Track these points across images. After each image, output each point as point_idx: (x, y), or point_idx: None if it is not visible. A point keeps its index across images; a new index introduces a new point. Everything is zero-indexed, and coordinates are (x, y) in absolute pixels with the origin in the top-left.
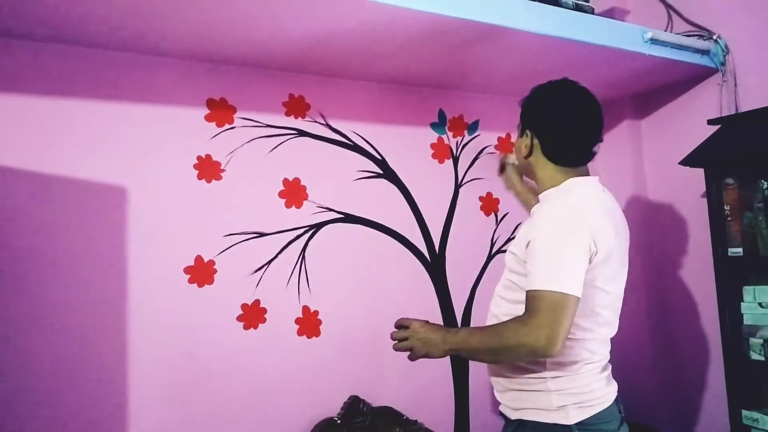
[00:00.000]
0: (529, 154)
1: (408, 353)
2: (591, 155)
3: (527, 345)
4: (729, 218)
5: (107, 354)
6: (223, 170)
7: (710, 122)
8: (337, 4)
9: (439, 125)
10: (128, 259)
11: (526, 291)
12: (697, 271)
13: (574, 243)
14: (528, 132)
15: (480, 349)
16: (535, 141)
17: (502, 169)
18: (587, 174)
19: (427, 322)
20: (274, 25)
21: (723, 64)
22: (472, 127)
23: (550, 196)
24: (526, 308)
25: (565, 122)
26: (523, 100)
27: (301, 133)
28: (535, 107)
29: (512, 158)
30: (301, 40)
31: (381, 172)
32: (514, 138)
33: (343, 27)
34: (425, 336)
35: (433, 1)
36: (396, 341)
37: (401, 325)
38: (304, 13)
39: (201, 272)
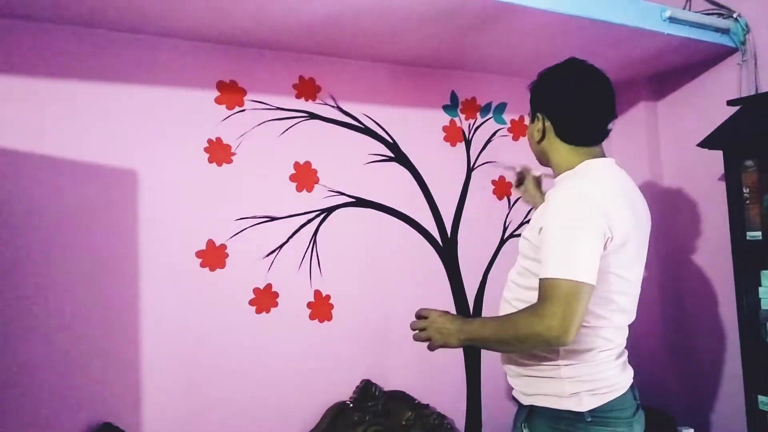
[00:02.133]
0: (542, 137)
1: (427, 343)
2: (606, 133)
3: (540, 334)
4: (748, 201)
5: (119, 339)
6: (233, 153)
7: (729, 103)
8: None
9: (451, 107)
10: (139, 243)
11: (540, 279)
12: (714, 255)
13: (587, 229)
14: (539, 115)
15: (493, 339)
16: (547, 123)
17: (521, 182)
18: (603, 155)
19: (446, 312)
20: (284, 5)
21: (743, 43)
22: (485, 110)
23: (565, 180)
24: (539, 296)
25: (575, 99)
26: (531, 84)
27: (312, 115)
28: (543, 89)
29: (532, 171)
30: (311, 21)
31: (392, 155)
32: (527, 121)
33: (354, 6)
34: (442, 326)
35: None
36: (415, 331)
37: (420, 315)
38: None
39: (213, 256)
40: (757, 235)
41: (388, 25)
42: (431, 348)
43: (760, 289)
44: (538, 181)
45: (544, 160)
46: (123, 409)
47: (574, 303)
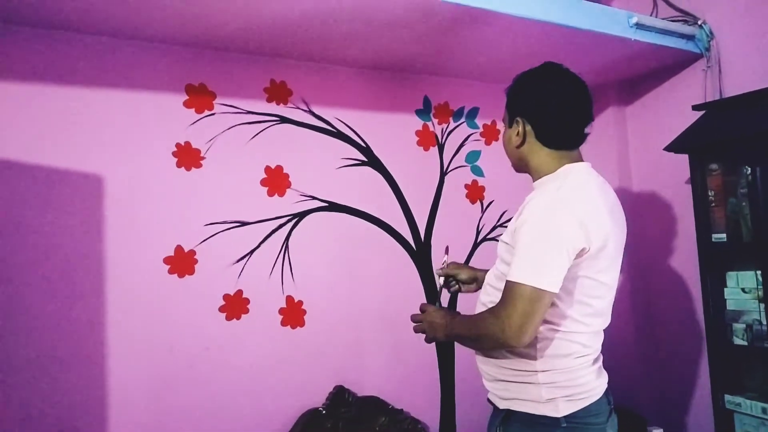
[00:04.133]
0: (522, 142)
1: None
2: (584, 136)
3: (495, 335)
4: (713, 204)
5: (85, 347)
6: (203, 158)
7: (695, 108)
8: None
9: (424, 112)
10: (106, 249)
11: (506, 280)
12: (682, 257)
13: (558, 239)
14: (519, 119)
15: (464, 337)
16: (528, 127)
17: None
18: (581, 159)
19: (441, 307)
20: (250, 7)
21: (708, 49)
22: (458, 114)
23: (545, 184)
24: (501, 298)
25: (556, 103)
26: (508, 88)
27: (284, 119)
28: (523, 93)
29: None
30: (283, 24)
31: (365, 159)
32: (499, 125)
33: (324, 10)
34: (433, 320)
35: None
36: (415, 324)
37: (422, 309)
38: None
39: (181, 262)
40: (722, 237)
41: (359, 28)
42: (426, 340)
43: (725, 290)
44: (456, 264)
45: (522, 165)
46: (89, 417)
47: (533, 309)
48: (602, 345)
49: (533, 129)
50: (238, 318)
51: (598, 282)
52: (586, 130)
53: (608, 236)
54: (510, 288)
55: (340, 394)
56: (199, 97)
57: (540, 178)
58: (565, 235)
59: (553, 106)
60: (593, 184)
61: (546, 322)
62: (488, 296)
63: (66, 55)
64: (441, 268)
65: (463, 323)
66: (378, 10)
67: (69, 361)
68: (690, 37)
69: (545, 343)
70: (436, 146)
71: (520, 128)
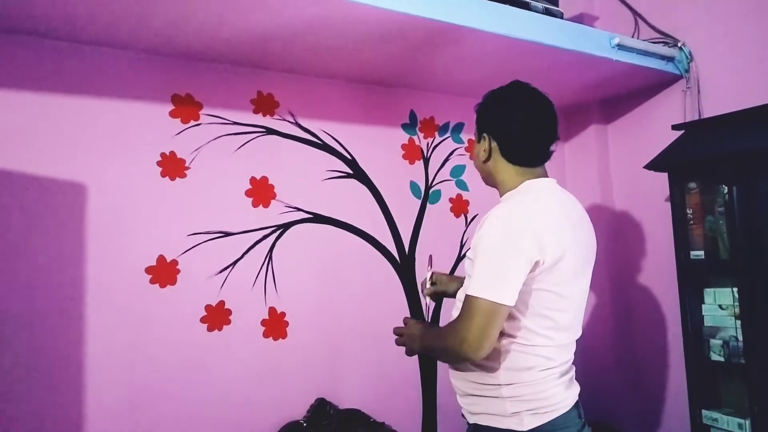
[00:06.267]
0: (488, 157)
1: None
2: (548, 154)
3: (454, 348)
4: (692, 222)
5: (63, 358)
6: (187, 168)
7: (674, 128)
8: (332, 9)
9: (410, 126)
10: (87, 258)
11: (465, 294)
12: (661, 274)
13: (512, 251)
14: (485, 135)
15: (432, 349)
16: (493, 144)
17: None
18: (545, 175)
19: (419, 320)
20: (237, 19)
21: (687, 71)
22: (443, 129)
23: (507, 199)
24: (460, 312)
25: (520, 120)
26: (477, 105)
27: (270, 131)
28: (489, 110)
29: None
30: (271, 37)
31: (351, 172)
32: None
33: (311, 24)
34: (411, 332)
35: (407, 2)
36: (397, 337)
37: (404, 322)
38: (264, 7)
39: (163, 272)
40: (701, 254)
41: (344, 44)
42: (407, 353)
43: (703, 306)
44: (439, 276)
45: (489, 179)
46: (65, 428)
47: (488, 322)
48: (582, 359)
49: (498, 145)
50: (220, 329)
51: (558, 295)
52: (551, 148)
53: (567, 249)
54: (467, 302)
55: (321, 407)
56: (186, 108)
57: (505, 192)
58: (519, 245)
59: (517, 123)
60: (554, 199)
61: (506, 335)
62: (457, 311)
63: (51, 63)
64: (428, 287)
65: (432, 336)
66: (362, 26)
67: (46, 371)
68: (670, 59)
69: (507, 356)
70: (422, 160)
71: (486, 144)
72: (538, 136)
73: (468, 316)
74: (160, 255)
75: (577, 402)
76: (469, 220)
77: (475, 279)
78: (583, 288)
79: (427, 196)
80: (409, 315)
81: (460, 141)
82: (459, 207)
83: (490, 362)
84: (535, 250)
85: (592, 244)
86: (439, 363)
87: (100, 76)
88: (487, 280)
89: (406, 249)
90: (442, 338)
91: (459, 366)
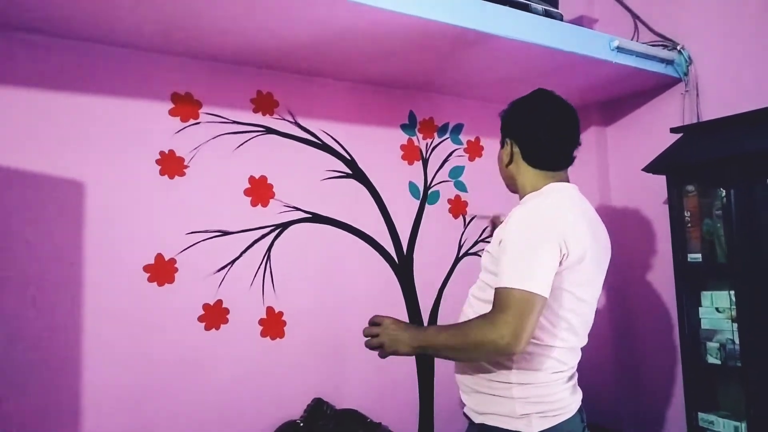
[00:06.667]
0: (510, 161)
1: (378, 350)
2: (570, 159)
3: (492, 342)
4: (689, 225)
5: (60, 355)
6: (186, 166)
7: (673, 130)
8: (324, 6)
9: (409, 127)
10: (85, 256)
11: (495, 288)
12: (659, 276)
13: (544, 243)
14: (508, 140)
15: (446, 347)
16: (515, 148)
17: (494, 227)
18: (567, 180)
19: (399, 320)
20: (258, 25)
21: (686, 74)
22: (442, 130)
23: (530, 198)
24: (493, 305)
25: (542, 127)
26: (502, 112)
27: (269, 130)
28: (513, 117)
29: (501, 217)
30: (286, 41)
31: (350, 172)
32: (483, 142)
33: (330, 30)
34: (394, 333)
35: (412, 4)
36: (368, 338)
37: (374, 322)
38: (290, 15)
39: (161, 271)
40: (698, 257)
41: (360, 49)
42: (382, 355)
43: (700, 309)
44: None
45: (511, 182)
46: (62, 428)
47: (527, 313)
48: (581, 361)
49: (520, 150)
50: (218, 328)
51: (576, 297)
52: (573, 154)
53: (586, 251)
54: (502, 294)
55: (318, 407)
56: (185, 106)
57: (526, 194)
58: (550, 237)
59: (538, 129)
60: (576, 203)
61: None
62: (472, 308)
63: (51, 61)
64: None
65: (445, 333)
66: (381, 33)
67: (43, 369)
68: (669, 62)
69: (522, 355)
70: (421, 161)
71: (509, 149)
72: (558, 142)
73: (504, 309)
74: (158, 253)
75: (580, 407)
76: (467, 221)
77: (507, 271)
78: (596, 293)
79: (425, 196)
80: (406, 314)
81: (459, 142)
82: (457, 208)
83: (503, 360)
84: (562, 243)
85: (608, 250)
86: (437, 363)
87: (99, 73)
88: (520, 271)
89: (405, 250)
90: (469, 333)
91: (469, 363)
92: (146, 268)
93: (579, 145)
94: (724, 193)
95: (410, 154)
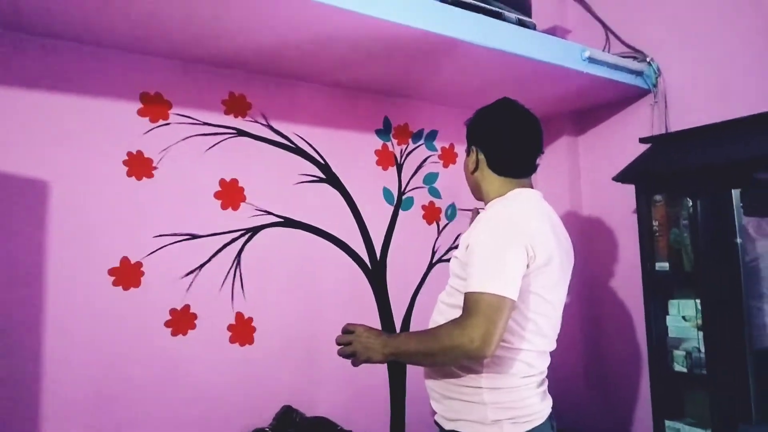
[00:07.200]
0: (476, 168)
1: (351, 360)
2: (533, 167)
3: (462, 346)
4: (657, 234)
5: (20, 361)
6: (155, 168)
7: (642, 141)
8: (293, 8)
9: (383, 132)
10: (48, 258)
11: (464, 293)
12: (628, 285)
13: (511, 247)
14: (473, 148)
15: (417, 352)
16: (480, 156)
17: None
18: (531, 186)
19: (371, 327)
20: (230, 26)
21: (655, 85)
22: (417, 136)
23: (494, 204)
24: (463, 310)
25: (506, 135)
26: (467, 120)
27: (241, 132)
28: (478, 124)
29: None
30: (258, 43)
31: (323, 176)
32: (457, 149)
33: (302, 33)
34: (367, 340)
35: (383, 7)
36: (340, 346)
37: (347, 330)
38: (260, 17)
39: (127, 274)
40: (665, 266)
41: (333, 52)
42: (355, 363)
43: (667, 317)
44: None
45: (477, 189)
46: None
47: (496, 316)
48: (550, 368)
49: (485, 157)
50: (185, 334)
51: (544, 299)
52: (537, 162)
53: (552, 254)
54: (471, 298)
55: (287, 414)
56: (154, 106)
57: (491, 200)
58: (516, 241)
59: (503, 137)
60: (540, 207)
61: None
62: (441, 314)
63: (14, 57)
64: None
65: (416, 339)
66: (342, 36)
67: (3, 372)
68: (639, 73)
69: (492, 359)
70: (395, 166)
71: (474, 156)
72: (522, 150)
73: (474, 313)
74: (124, 256)
75: (551, 414)
76: (441, 228)
77: (476, 275)
78: (562, 296)
79: (399, 202)
80: (378, 319)
81: (434, 148)
82: (431, 214)
83: (473, 364)
84: (528, 246)
85: (571, 255)
86: (409, 369)
87: (66, 71)
88: (489, 275)
89: (378, 255)
90: (438, 339)
91: (438, 368)
92: (111, 272)
93: (542, 153)
94: (690, 203)
95: (384, 159)
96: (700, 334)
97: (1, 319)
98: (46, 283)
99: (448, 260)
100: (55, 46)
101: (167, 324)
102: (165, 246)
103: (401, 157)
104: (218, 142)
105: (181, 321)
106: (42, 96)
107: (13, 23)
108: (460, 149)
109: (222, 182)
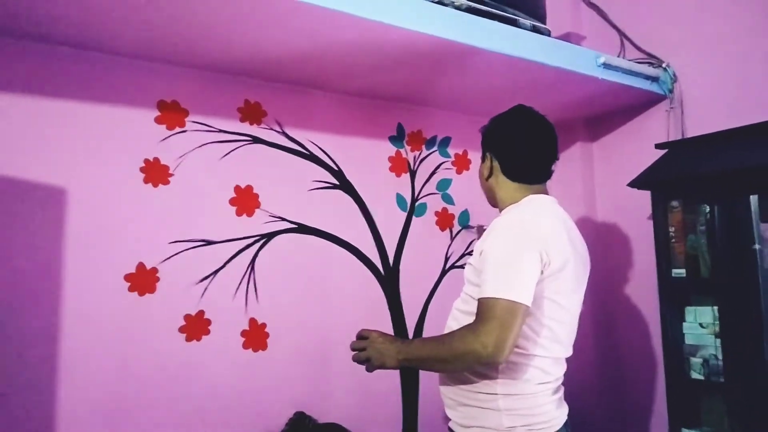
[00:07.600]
0: (490, 175)
1: (365, 364)
2: (548, 173)
3: (475, 351)
4: (673, 240)
5: (36, 365)
6: (171, 174)
7: (657, 146)
8: (312, 18)
9: (397, 139)
10: (65, 263)
11: (478, 299)
12: (643, 291)
13: (525, 253)
14: (488, 154)
15: (431, 358)
16: (495, 163)
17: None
18: (546, 193)
19: (385, 333)
20: (246, 35)
21: (671, 91)
22: (430, 143)
23: (508, 210)
24: (476, 315)
25: (520, 142)
26: (482, 127)
27: (256, 139)
28: (492, 131)
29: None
30: (275, 52)
31: (337, 183)
32: (470, 155)
33: (319, 41)
34: (381, 346)
35: (400, 16)
36: (355, 351)
37: (361, 336)
38: (278, 26)
39: (143, 280)
40: (682, 272)
41: (349, 61)
42: (369, 369)
43: (684, 324)
44: None
45: (491, 196)
46: None
47: (510, 322)
48: (564, 375)
49: (500, 164)
50: (199, 339)
51: (559, 305)
52: (551, 168)
53: (567, 260)
54: (485, 304)
55: (299, 420)
56: (171, 114)
57: (505, 207)
58: (531, 247)
59: (517, 143)
60: (555, 214)
61: None
62: (456, 320)
63: (34, 66)
64: None
65: (429, 345)
66: (358, 45)
67: (19, 377)
68: (654, 79)
69: (506, 365)
70: (408, 173)
71: (489, 163)
72: (536, 156)
73: (487, 318)
74: (140, 262)
75: (566, 422)
76: (454, 234)
77: (490, 281)
78: (578, 302)
79: (413, 209)
80: (391, 326)
81: (447, 155)
82: (444, 221)
83: (488, 371)
84: (543, 252)
85: (587, 261)
86: (422, 375)
87: (84, 79)
88: (503, 281)
89: (391, 262)
90: (451, 344)
91: (452, 375)
92: (127, 277)
93: (557, 159)
94: (708, 209)
95: (398, 166)
96: (718, 341)
97: (18, 324)
98: (63, 288)
99: (461, 267)
100: (74, 55)
101: (182, 329)
102: (180, 252)
103: (414, 163)
104: (233, 149)
105: (196, 326)
106: (61, 104)
107: (32, 33)
108: (474, 156)
109: (237, 189)
